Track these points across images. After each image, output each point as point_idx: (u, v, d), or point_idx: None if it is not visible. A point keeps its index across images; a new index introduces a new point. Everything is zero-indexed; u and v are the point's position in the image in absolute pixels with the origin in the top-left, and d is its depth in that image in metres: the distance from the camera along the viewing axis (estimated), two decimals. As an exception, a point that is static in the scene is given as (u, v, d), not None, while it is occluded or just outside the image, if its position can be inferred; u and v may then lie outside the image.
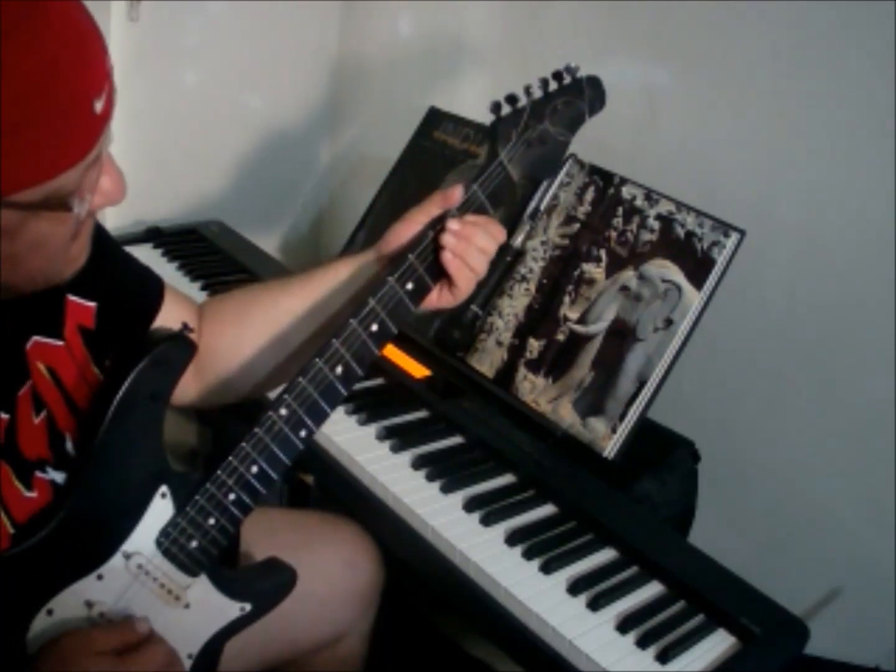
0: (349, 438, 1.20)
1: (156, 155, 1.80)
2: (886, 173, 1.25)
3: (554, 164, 0.99)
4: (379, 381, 1.35)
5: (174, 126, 1.83)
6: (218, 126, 1.90)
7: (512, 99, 0.92)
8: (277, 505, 1.62)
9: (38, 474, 0.81)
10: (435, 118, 1.58)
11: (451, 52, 1.81)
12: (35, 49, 0.61)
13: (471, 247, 0.88)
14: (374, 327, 0.86)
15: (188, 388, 0.99)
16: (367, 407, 1.26)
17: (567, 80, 0.96)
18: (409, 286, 0.88)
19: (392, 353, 1.40)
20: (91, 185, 0.71)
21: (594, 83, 0.98)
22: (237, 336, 0.98)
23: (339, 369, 0.85)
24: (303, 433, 0.85)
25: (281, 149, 2.03)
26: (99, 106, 0.66)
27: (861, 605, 1.36)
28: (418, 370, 1.36)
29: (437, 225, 0.89)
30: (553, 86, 0.95)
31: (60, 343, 0.85)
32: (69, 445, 0.85)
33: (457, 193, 0.90)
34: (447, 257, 0.88)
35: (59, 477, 0.83)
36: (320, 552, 1.15)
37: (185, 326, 0.84)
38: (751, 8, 1.37)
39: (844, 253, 1.32)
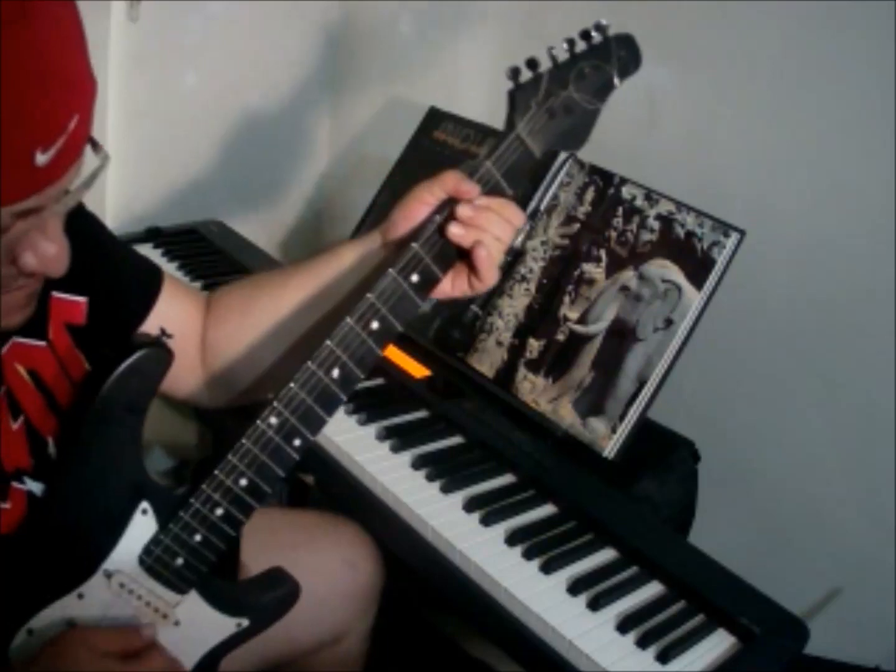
0: (349, 438, 1.20)
1: (156, 155, 1.80)
2: (886, 173, 1.25)
3: (583, 135, 0.87)
4: (379, 381, 1.35)
5: (174, 126, 1.83)
6: (218, 126, 1.91)
7: (532, 63, 0.81)
8: (277, 505, 1.62)
9: (15, 485, 0.78)
10: (435, 118, 1.59)
11: (451, 52, 1.81)
12: None
13: (485, 236, 0.80)
14: (375, 325, 0.78)
15: (193, 379, 0.97)
16: (367, 407, 1.26)
17: (596, 39, 0.84)
18: (414, 278, 0.78)
19: (392, 353, 1.40)
20: (22, 240, 0.66)
21: (626, 42, 0.87)
22: (240, 326, 0.94)
23: (335, 372, 0.77)
24: (297, 442, 0.78)
25: (281, 149, 2.03)
26: (42, 159, 0.60)
27: (861, 605, 1.36)
28: (418, 370, 1.36)
29: (445, 209, 0.80)
30: (580, 46, 0.84)
31: (42, 343, 0.81)
32: (52, 450, 0.81)
33: (473, 191, 0.80)
34: (482, 254, 0.79)
35: (36, 488, 0.80)
36: (320, 552, 1.14)
37: (163, 332, 0.80)
38: (751, 8, 1.37)
39: (844, 253, 1.32)
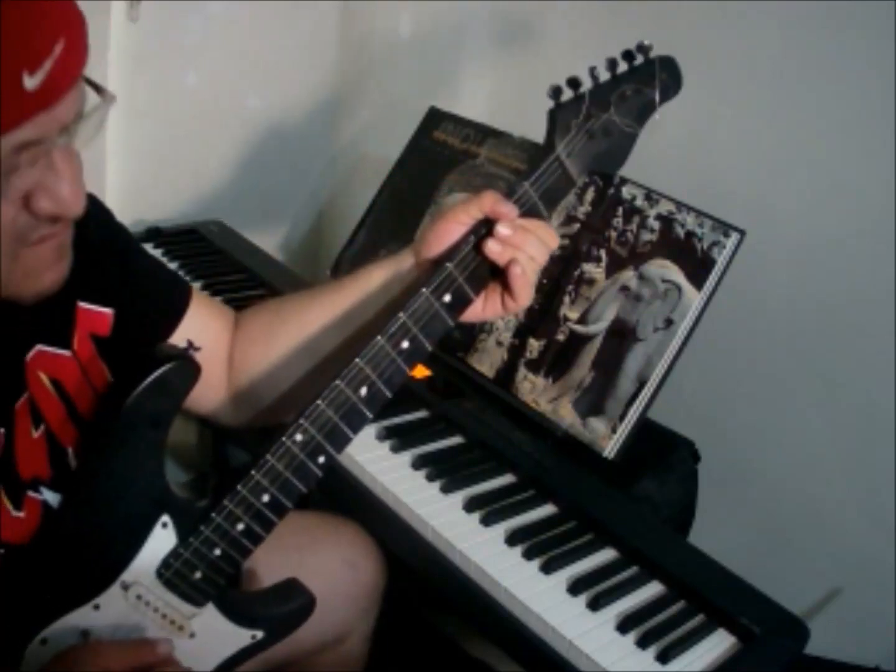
0: (349, 438, 1.20)
1: (156, 155, 1.80)
2: (886, 173, 1.25)
3: (620, 157, 0.87)
4: (379, 381, 1.35)
5: (174, 126, 1.83)
6: (218, 126, 1.90)
7: (574, 83, 0.80)
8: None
9: (31, 494, 0.77)
10: (435, 118, 1.58)
11: (451, 52, 1.81)
12: None
13: (521, 255, 0.80)
14: (406, 344, 0.78)
15: (217, 397, 0.96)
16: (368, 407, 1.26)
17: (638, 60, 0.83)
18: (447, 298, 0.79)
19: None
20: (35, 184, 0.64)
21: (668, 64, 0.86)
22: (267, 348, 0.93)
23: (363, 391, 0.77)
24: (321, 459, 0.78)
25: (281, 149, 2.03)
26: (31, 83, 0.59)
27: (861, 605, 1.36)
28: (418, 370, 1.36)
29: (481, 230, 0.80)
30: (622, 67, 0.83)
31: (67, 353, 0.80)
32: (71, 460, 0.81)
33: (512, 213, 0.80)
34: (517, 271, 0.79)
35: (52, 498, 0.79)
36: (321, 552, 1.14)
37: (190, 345, 0.79)
38: (751, 8, 1.37)
39: (844, 253, 1.33)
